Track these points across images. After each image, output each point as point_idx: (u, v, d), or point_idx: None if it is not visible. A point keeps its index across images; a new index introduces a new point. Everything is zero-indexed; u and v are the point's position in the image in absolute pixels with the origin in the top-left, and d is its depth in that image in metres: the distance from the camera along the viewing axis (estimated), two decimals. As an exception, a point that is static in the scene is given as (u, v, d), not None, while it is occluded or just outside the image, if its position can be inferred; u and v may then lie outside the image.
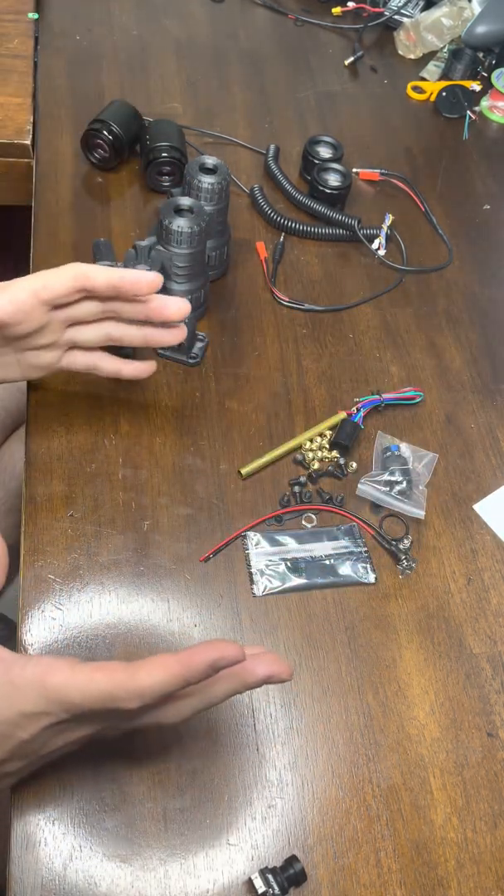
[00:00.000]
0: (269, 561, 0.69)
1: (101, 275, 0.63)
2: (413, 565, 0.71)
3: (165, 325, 0.68)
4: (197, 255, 0.78)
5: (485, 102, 1.14)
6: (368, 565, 0.70)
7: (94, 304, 0.65)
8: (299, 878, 0.55)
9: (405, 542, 0.72)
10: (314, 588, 0.69)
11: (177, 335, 0.68)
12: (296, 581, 0.69)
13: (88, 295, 0.64)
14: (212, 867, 0.56)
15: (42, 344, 0.66)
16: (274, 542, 0.70)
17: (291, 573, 0.69)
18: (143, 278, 0.63)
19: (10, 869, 0.54)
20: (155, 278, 0.64)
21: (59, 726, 0.50)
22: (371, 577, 0.70)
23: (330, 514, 0.73)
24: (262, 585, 0.68)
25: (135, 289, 0.64)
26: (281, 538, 0.71)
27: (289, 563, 0.69)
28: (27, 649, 0.62)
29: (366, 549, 0.71)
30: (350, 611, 0.68)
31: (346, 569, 0.70)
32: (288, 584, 0.68)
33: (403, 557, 0.71)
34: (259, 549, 0.70)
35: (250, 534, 0.70)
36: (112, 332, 0.68)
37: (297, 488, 0.74)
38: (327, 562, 0.70)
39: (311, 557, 0.70)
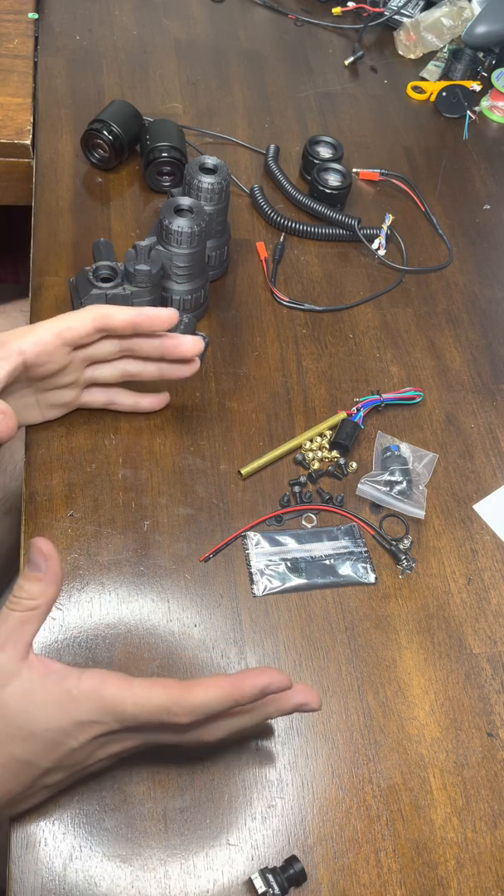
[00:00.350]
0: (269, 561, 0.69)
1: (119, 315, 0.66)
2: (413, 565, 0.71)
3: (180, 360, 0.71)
4: (197, 255, 0.78)
5: (485, 102, 1.14)
6: (368, 565, 0.70)
7: (113, 343, 0.68)
8: (299, 878, 0.55)
9: (405, 542, 0.72)
10: (314, 588, 0.69)
11: (192, 368, 0.71)
12: (296, 581, 0.69)
13: (107, 335, 0.67)
14: (212, 867, 0.56)
15: (63, 383, 0.69)
16: (274, 542, 0.70)
17: (291, 573, 0.69)
18: (161, 314, 0.66)
19: (10, 869, 0.54)
20: (172, 314, 0.67)
21: (107, 737, 0.52)
22: (371, 577, 0.70)
23: (330, 514, 0.73)
24: (262, 585, 0.68)
25: (153, 325, 0.67)
26: (281, 538, 0.71)
27: (289, 563, 0.69)
28: (27, 649, 0.62)
29: (366, 549, 0.71)
30: (350, 611, 0.68)
31: (346, 569, 0.70)
32: (288, 584, 0.68)
33: (403, 557, 0.71)
34: (259, 549, 0.70)
35: (250, 534, 0.70)
36: (129, 369, 0.71)
37: (297, 488, 0.74)
38: (327, 562, 0.70)
39: (311, 557, 0.70)
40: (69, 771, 0.53)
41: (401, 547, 0.71)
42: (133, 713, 0.51)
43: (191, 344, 0.69)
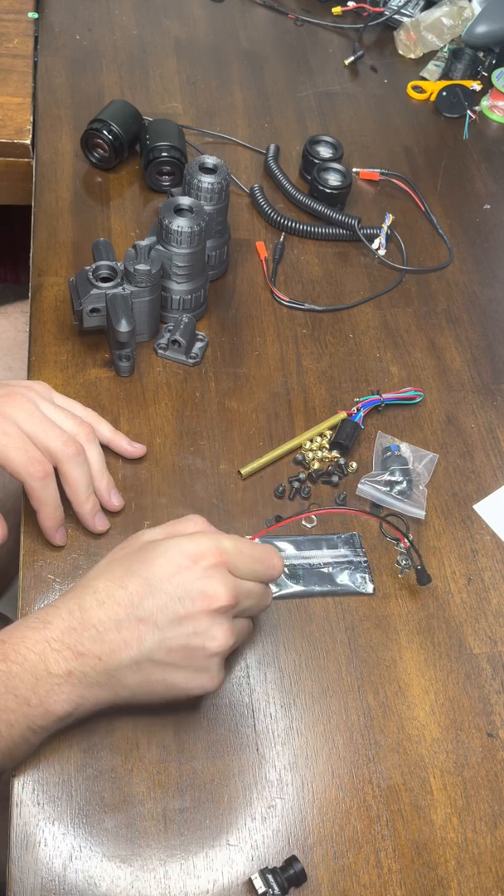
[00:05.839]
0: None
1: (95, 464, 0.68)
2: (411, 564, 0.71)
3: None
4: (197, 254, 0.78)
5: (485, 102, 1.14)
6: (367, 575, 0.70)
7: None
8: (299, 879, 0.55)
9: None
10: (311, 596, 0.68)
11: (98, 524, 0.69)
12: (293, 588, 0.68)
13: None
14: (211, 867, 0.56)
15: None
16: (273, 545, 0.70)
17: (289, 580, 0.69)
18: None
19: (10, 869, 0.54)
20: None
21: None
22: (369, 588, 0.69)
23: (329, 515, 0.73)
24: (261, 587, 0.68)
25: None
26: (280, 544, 0.71)
27: (286, 570, 0.69)
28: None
29: (365, 559, 0.71)
30: (350, 611, 0.68)
31: (344, 577, 0.69)
32: (285, 591, 0.68)
33: (406, 558, 0.71)
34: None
35: (248, 538, 0.70)
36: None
37: (296, 484, 0.73)
38: (325, 570, 0.70)
39: (310, 565, 0.70)
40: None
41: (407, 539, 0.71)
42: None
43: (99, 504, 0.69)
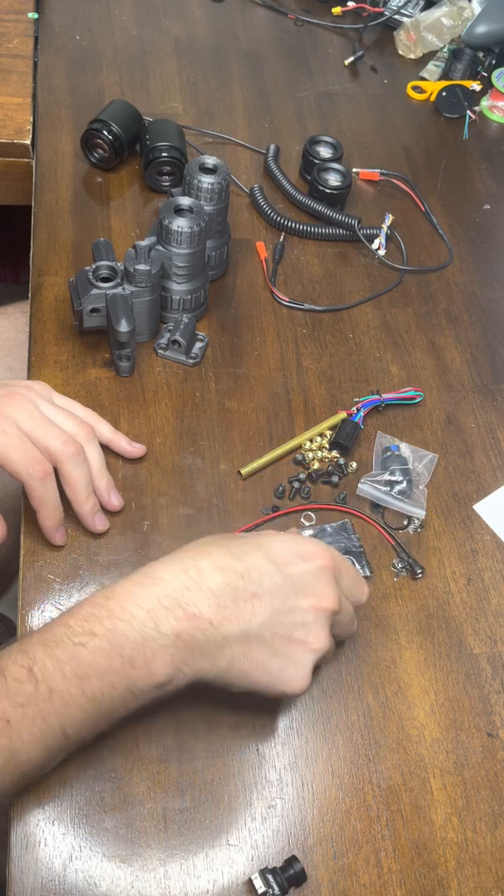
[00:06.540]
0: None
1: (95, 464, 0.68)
2: (407, 567, 0.71)
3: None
4: (197, 255, 0.78)
5: (485, 102, 1.14)
6: (363, 560, 0.70)
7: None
8: (299, 879, 0.55)
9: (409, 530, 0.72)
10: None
11: (96, 523, 0.68)
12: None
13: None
14: (211, 867, 0.56)
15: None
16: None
17: None
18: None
19: (10, 869, 0.54)
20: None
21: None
22: (366, 572, 0.69)
23: (329, 516, 0.73)
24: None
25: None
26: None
27: None
28: (27, 649, 0.62)
29: (360, 544, 0.71)
30: (350, 611, 0.68)
31: None
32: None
33: (400, 561, 0.71)
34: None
35: (250, 534, 0.70)
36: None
37: (296, 484, 0.73)
38: None
39: None
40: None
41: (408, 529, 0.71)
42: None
43: (97, 503, 0.69)
